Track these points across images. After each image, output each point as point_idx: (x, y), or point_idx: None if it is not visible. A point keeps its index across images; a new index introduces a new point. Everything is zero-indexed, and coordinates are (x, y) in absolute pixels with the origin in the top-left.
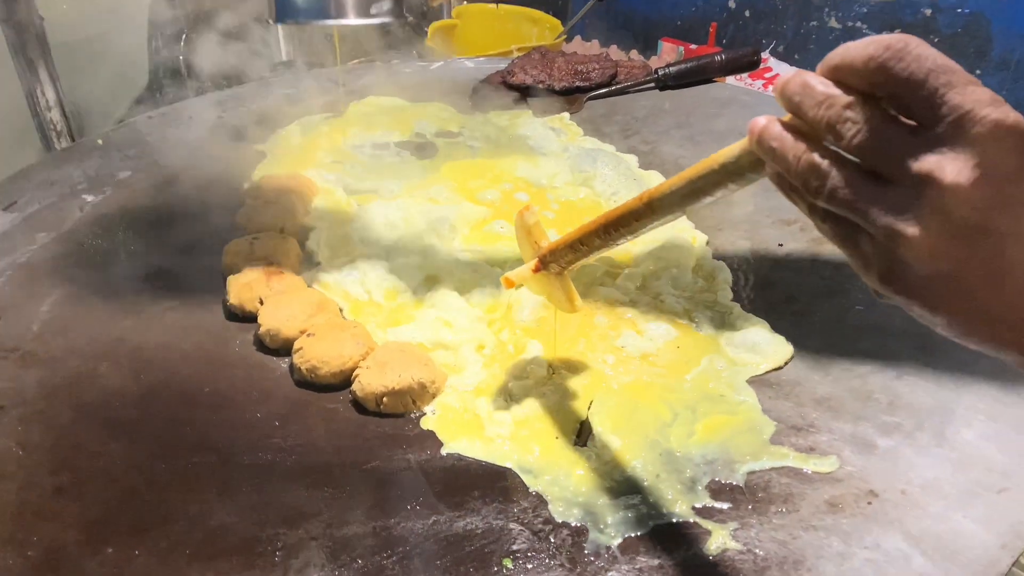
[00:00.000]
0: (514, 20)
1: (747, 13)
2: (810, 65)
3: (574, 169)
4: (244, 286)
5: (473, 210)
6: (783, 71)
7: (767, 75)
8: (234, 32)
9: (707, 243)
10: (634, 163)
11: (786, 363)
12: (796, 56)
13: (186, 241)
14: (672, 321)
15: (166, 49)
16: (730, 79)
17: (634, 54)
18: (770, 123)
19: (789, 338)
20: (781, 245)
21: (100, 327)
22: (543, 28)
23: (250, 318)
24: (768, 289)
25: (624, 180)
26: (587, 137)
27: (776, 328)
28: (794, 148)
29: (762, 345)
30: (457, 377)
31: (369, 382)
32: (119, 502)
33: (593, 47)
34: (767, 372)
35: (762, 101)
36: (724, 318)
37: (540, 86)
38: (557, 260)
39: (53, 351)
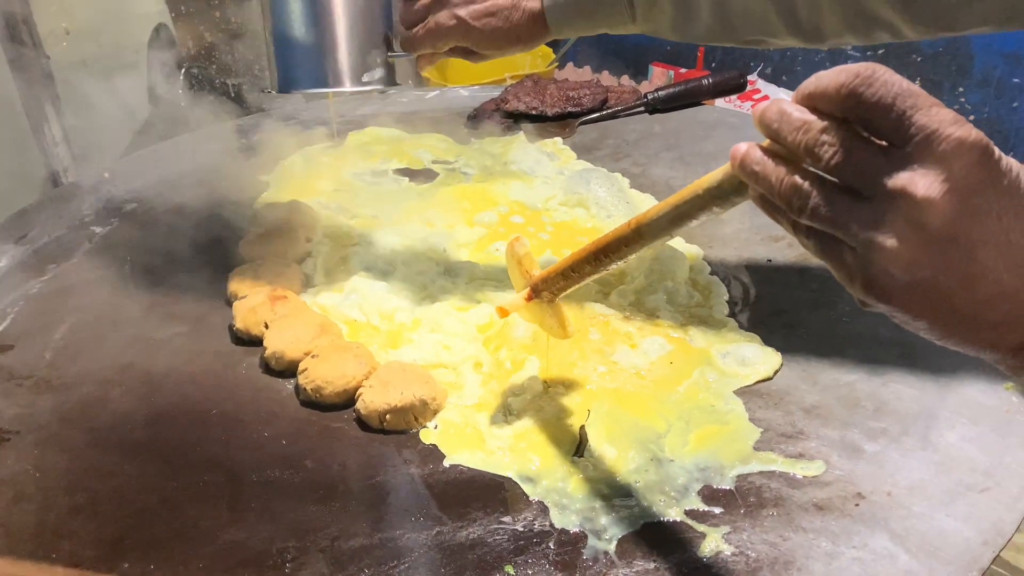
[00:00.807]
0: None
1: None
2: (797, 86)
3: (568, 191)
4: (249, 311)
5: (469, 232)
6: (771, 93)
7: (755, 97)
8: (232, 67)
9: (703, 257)
10: (626, 184)
11: (775, 373)
12: (784, 78)
13: (192, 269)
14: (667, 336)
15: (166, 83)
16: (718, 102)
17: (625, 79)
18: (751, 149)
19: (778, 349)
20: (770, 260)
21: (111, 354)
22: (535, 56)
23: (256, 342)
24: (758, 303)
25: (617, 202)
26: (580, 161)
27: (766, 340)
28: (775, 171)
29: (752, 357)
30: (457, 394)
31: (372, 400)
32: (134, 520)
33: (585, 73)
34: (757, 383)
35: (748, 122)
36: (717, 332)
37: (533, 112)
38: (549, 288)
39: (66, 378)
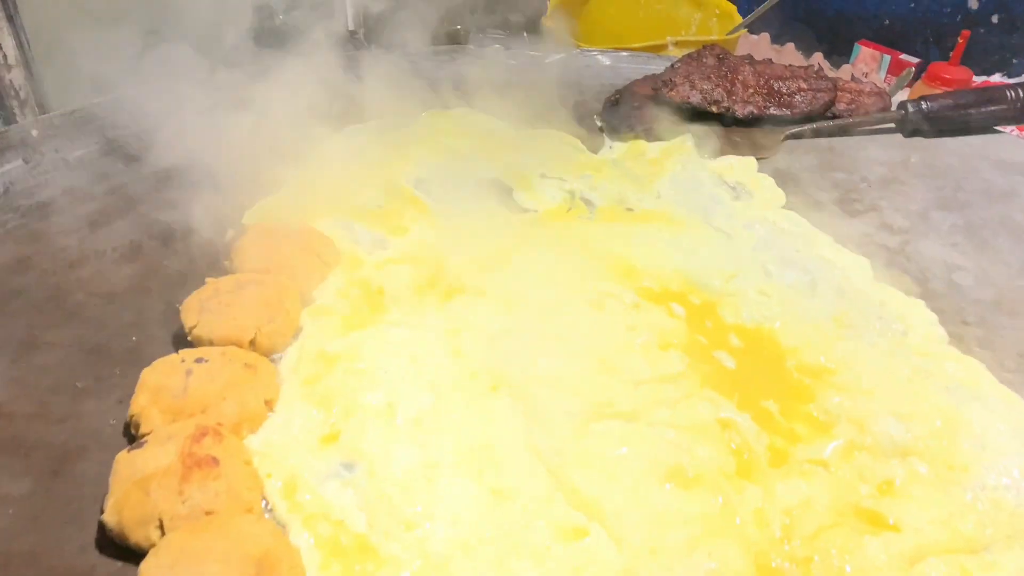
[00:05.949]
0: None
1: (995, 18)
2: None
3: (765, 267)
4: (137, 487)
5: (583, 326)
6: None
7: None
8: None
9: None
10: (867, 270)
11: None
12: None
13: (90, 345)
14: None
15: None
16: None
17: (818, 58)
18: None
19: None
20: None
21: None
22: (709, 14)
23: (138, 554)
24: None
25: (857, 299)
26: (787, 211)
27: None
28: None
29: None
30: None
31: None
32: None
33: (763, 43)
34: None
35: None
36: None
37: (713, 109)
38: None
39: None
